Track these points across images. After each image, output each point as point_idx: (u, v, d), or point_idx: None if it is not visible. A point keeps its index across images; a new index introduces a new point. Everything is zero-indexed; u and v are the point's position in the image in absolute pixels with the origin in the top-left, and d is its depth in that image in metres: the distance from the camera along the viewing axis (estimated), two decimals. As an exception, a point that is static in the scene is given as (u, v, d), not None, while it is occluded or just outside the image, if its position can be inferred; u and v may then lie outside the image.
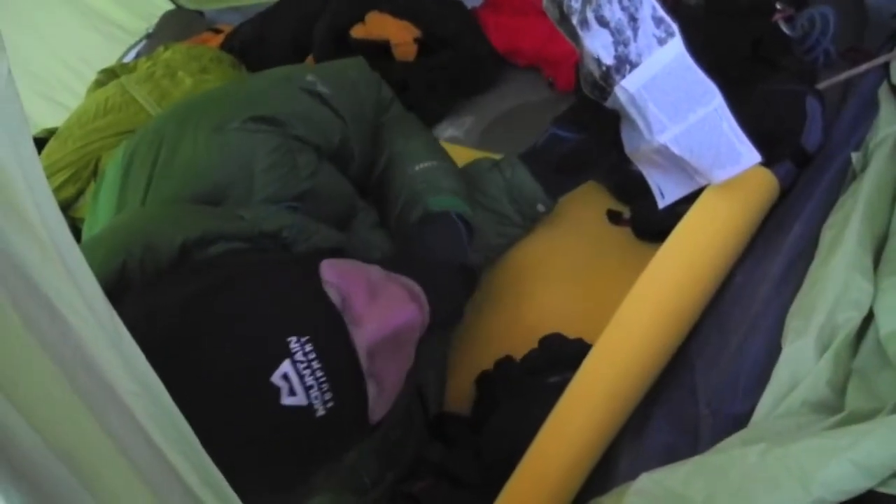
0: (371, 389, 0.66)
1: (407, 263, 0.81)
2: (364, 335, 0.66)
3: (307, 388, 0.59)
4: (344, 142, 0.99)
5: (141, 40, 2.38)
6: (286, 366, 0.58)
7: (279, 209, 0.83)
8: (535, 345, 0.95)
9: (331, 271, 0.68)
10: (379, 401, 0.68)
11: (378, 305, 0.68)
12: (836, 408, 0.61)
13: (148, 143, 0.87)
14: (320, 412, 0.60)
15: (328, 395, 0.60)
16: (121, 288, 0.67)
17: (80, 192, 1.17)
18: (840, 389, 0.63)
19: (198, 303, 0.61)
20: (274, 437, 0.60)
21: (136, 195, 0.84)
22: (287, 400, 0.58)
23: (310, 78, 0.97)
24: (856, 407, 0.59)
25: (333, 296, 0.66)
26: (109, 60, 2.17)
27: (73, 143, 1.19)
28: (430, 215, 0.99)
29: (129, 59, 2.26)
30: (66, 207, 1.19)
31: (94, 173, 1.16)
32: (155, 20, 2.39)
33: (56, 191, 1.17)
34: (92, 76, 1.70)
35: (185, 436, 0.42)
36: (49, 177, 1.18)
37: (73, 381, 0.38)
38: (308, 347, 0.59)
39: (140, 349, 0.46)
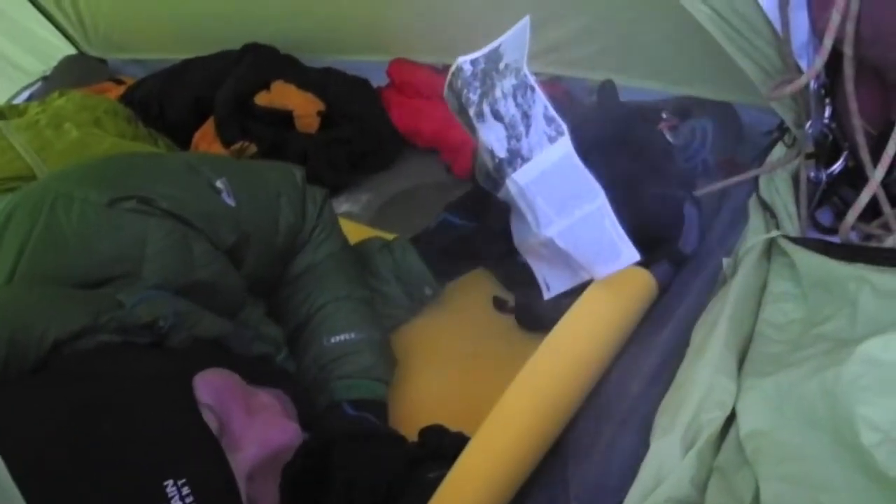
0: None
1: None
2: (244, 460, 0.63)
3: None
4: (237, 247, 0.95)
5: (36, 82, 2.29)
6: None
7: (159, 295, 0.78)
8: (415, 430, 0.93)
9: (206, 390, 0.65)
10: None
11: (257, 424, 0.66)
12: (697, 505, 0.63)
13: (30, 206, 0.82)
14: None
15: None
16: None
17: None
18: (702, 487, 0.64)
19: (70, 439, 0.56)
20: None
21: (6, 262, 0.78)
22: None
23: (219, 184, 0.94)
24: (715, 504, 0.61)
25: (210, 420, 0.63)
26: (0, 100, 2.09)
27: (-64, 185, 1.12)
28: (337, 408, 0.96)
29: (21, 99, 2.18)
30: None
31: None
32: (54, 63, 2.32)
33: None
34: (-21, 113, 1.62)
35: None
36: None
37: None
38: (185, 490, 0.56)
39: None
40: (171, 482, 0.55)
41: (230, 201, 0.93)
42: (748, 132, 1.32)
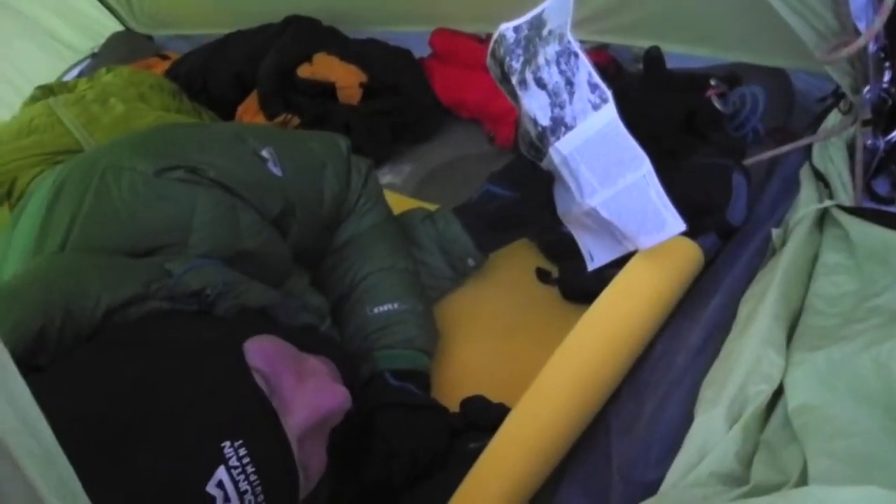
0: (300, 479, 0.64)
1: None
2: (295, 424, 0.64)
3: (241, 494, 0.57)
4: (283, 217, 0.95)
5: (85, 59, 2.33)
6: (221, 472, 0.56)
7: (207, 264, 0.79)
8: (456, 402, 0.93)
9: (257, 356, 0.66)
10: (305, 486, 0.67)
11: (307, 389, 0.66)
12: (742, 479, 0.62)
13: (79, 176, 0.83)
14: None
15: (261, 498, 0.58)
16: (36, 349, 0.64)
17: (-9, 211, 1.13)
18: (747, 462, 0.63)
19: (126, 404, 0.58)
20: None
21: (58, 232, 0.80)
22: None
23: (264, 153, 0.94)
24: (760, 480, 0.59)
25: (262, 384, 0.64)
26: (51, 77, 2.13)
27: (-9, 160, 1.15)
28: (381, 379, 0.96)
29: (70, 77, 2.21)
30: (-25, 226, 1.14)
31: (9, 193, 1.12)
32: (102, 40, 2.35)
33: (-33, 206, 1.12)
34: (31, 91, 1.66)
35: (66, 480, 0.40)
36: (-37, 192, 1.13)
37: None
38: (242, 452, 0.57)
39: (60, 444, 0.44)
40: (228, 443, 0.57)
41: (276, 170, 0.94)
42: (801, 99, 1.28)
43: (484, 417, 0.88)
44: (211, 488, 0.55)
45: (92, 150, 0.92)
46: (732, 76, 1.22)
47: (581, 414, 0.77)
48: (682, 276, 0.88)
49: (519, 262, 1.20)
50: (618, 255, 0.90)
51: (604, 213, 0.84)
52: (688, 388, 0.72)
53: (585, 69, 0.83)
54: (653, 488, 0.64)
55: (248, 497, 0.57)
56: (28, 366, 0.63)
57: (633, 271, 0.86)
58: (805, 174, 0.97)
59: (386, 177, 1.57)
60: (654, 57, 1.23)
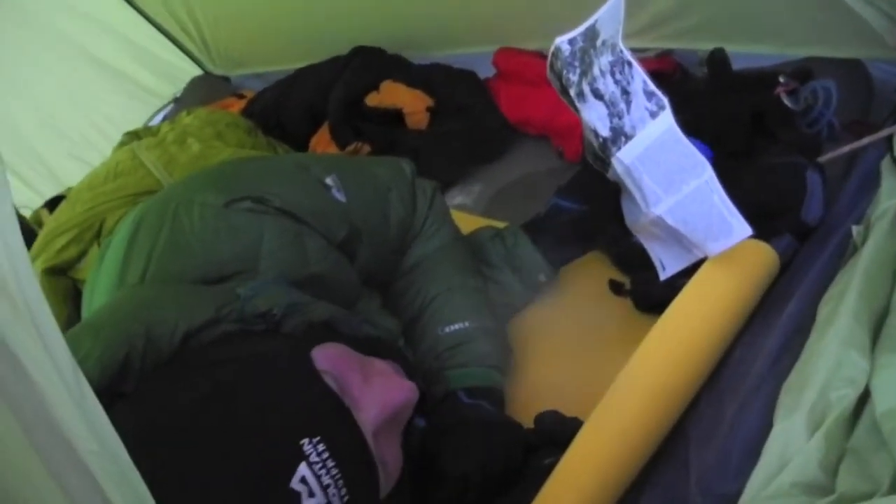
0: (380, 473, 0.67)
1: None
2: (367, 420, 0.66)
3: (325, 488, 0.59)
4: (349, 241, 0.97)
5: (169, 104, 2.45)
6: (303, 469, 0.58)
7: (273, 284, 0.82)
8: (530, 414, 0.93)
9: (324, 360, 0.69)
10: (386, 481, 0.69)
11: (375, 387, 0.69)
12: (827, 489, 0.59)
13: (154, 213, 0.88)
14: None
15: (344, 491, 0.60)
16: (122, 377, 0.68)
17: (82, 254, 1.18)
18: (832, 470, 0.60)
19: (208, 413, 0.61)
20: None
21: (139, 266, 0.85)
22: (307, 503, 0.58)
23: (328, 181, 0.97)
24: (847, 488, 0.57)
25: (332, 385, 0.66)
26: (137, 123, 2.25)
27: (81, 206, 1.21)
28: (454, 398, 0.97)
29: (156, 121, 2.33)
30: (68, 268, 1.20)
31: (98, 235, 1.18)
32: (183, 84, 2.47)
33: (59, 252, 1.19)
34: (119, 138, 1.75)
35: (143, 498, 0.42)
36: (54, 238, 1.20)
37: (33, 438, 0.38)
38: (321, 447, 0.60)
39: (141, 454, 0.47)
40: (307, 440, 0.59)
41: (340, 197, 0.96)
42: (880, 89, 1.23)
43: (559, 432, 0.87)
44: (295, 484, 0.58)
45: (166, 188, 0.98)
46: (803, 71, 1.18)
47: (655, 424, 0.76)
48: (754, 280, 0.85)
49: (591, 275, 1.19)
50: (688, 263, 0.88)
51: (669, 221, 0.83)
52: (767, 396, 0.70)
53: (640, 77, 0.82)
54: (732, 500, 0.62)
55: (332, 490, 0.59)
56: (114, 392, 0.67)
57: (704, 277, 0.85)
58: (886, 167, 0.93)
59: (457, 198, 1.58)
60: (718, 59, 1.20)
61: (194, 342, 0.73)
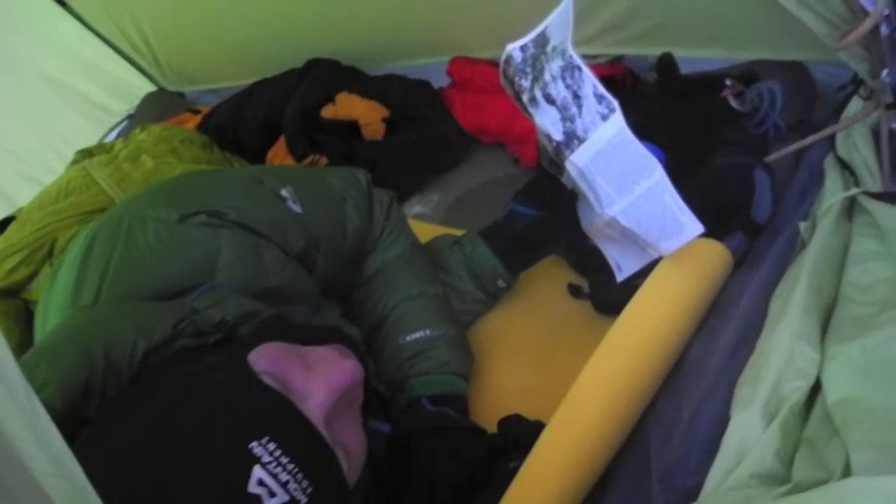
0: (340, 456, 0.66)
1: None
2: (315, 407, 0.65)
3: (284, 485, 0.58)
4: (307, 252, 0.97)
5: (123, 121, 2.42)
6: (258, 471, 0.58)
7: (218, 287, 0.82)
8: (493, 422, 0.93)
9: (261, 360, 0.68)
10: (350, 465, 0.68)
11: (319, 374, 0.68)
12: (783, 479, 0.60)
13: (108, 230, 0.87)
14: (303, 501, 0.59)
15: (305, 483, 0.60)
16: (84, 400, 0.67)
17: (34, 275, 1.16)
18: (788, 460, 0.62)
19: (156, 438, 0.60)
20: None
21: (93, 283, 0.83)
22: (271, 502, 0.58)
23: (284, 192, 0.97)
24: (802, 477, 0.58)
25: (273, 384, 0.65)
26: (92, 141, 2.21)
27: (31, 226, 1.19)
28: (418, 406, 0.98)
29: (110, 139, 2.29)
30: (19, 289, 1.18)
31: (50, 254, 1.16)
32: (137, 101, 2.43)
33: (9, 273, 1.17)
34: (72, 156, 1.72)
35: (100, 519, 0.41)
36: (4, 259, 1.18)
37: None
38: (272, 446, 0.59)
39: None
40: (255, 443, 0.58)
41: (296, 208, 0.96)
42: (823, 90, 1.26)
43: (522, 435, 0.87)
44: (253, 488, 0.57)
45: (118, 205, 0.96)
46: (748, 74, 1.21)
47: (616, 423, 0.76)
48: (708, 278, 0.86)
49: (549, 279, 1.20)
50: (644, 263, 0.89)
51: (623, 222, 0.84)
52: (723, 392, 0.71)
53: (590, 81, 0.83)
54: (694, 495, 0.63)
55: (292, 485, 0.59)
56: (78, 417, 0.66)
57: (660, 276, 0.86)
58: (830, 164, 0.95)
59: (415, 207, 1.59)
60: (666, 64, 1.23)
61: (154, 358, 0.72)
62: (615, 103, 0.82)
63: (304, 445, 0.62)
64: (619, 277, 0.95)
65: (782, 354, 0.67)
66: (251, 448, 0.58)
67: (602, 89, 0.82)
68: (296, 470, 0.59)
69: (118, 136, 2.29)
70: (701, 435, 0.69)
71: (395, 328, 1.03)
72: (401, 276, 1.07)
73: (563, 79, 0.85)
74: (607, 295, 1.07)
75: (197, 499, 0.57)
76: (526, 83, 0.89)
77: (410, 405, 0.97)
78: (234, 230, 0.88)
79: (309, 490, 0.60)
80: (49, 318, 0.86)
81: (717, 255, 0.89)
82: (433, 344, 1.01)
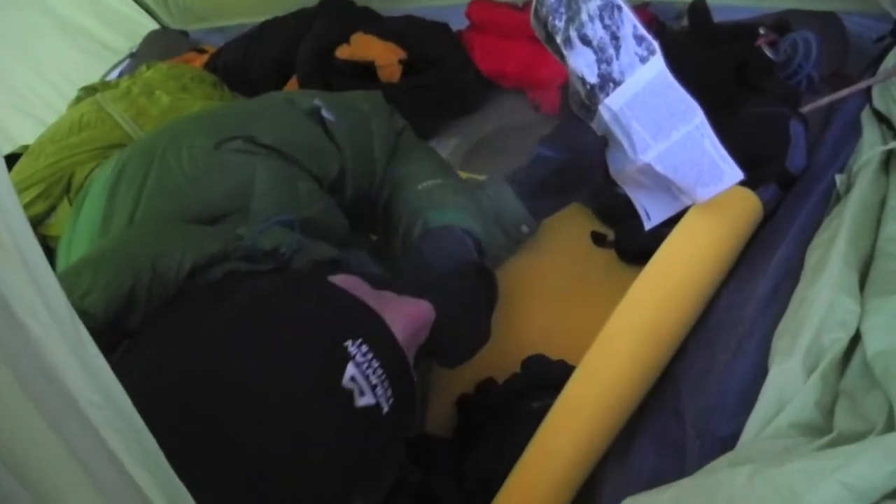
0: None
1: (412, 283, 0.79)
2: (396, 334, 0.66)
3: (373, 388, 0.59)
4: (341, 174, 0.97)
5: (125, 59, 2.37)
6: (351, 368, 0.58)
7: (273, 225, 0.81)
8: (517, 366, 0.93)
9: (340, 284, 0.68)
10: None
11: (393, 307, 0.68)
12: (824, 429, 0.60)
13: (139, 158, 0.86)
14: (385, 409, 0.60)
15: (389, 392, 0.60)
16: (127, 311, 0.66)
17: (52, 209, 1.14)
18: (828, 411, 0.61)
19: (247, 327, 0.60)
20: (350, 440, 0.59)
21: (124, 211, 0.82)
22: (360, 401, 0.58)
23: (316, 102, 0.97)
24: (844, 428, 0.58)
25: None
26: (92, 78, 2.16)
27: (45, 159, 1.17)
28: (430, 231, 0.98)
29: (112, 77, 2.25)
30: (37, 224, 1.16)
31: (67, 189, 1.14)
32: (139, 39, 2.39)
33: (27, 207, 1.14)
34: (74, 94, 1.68)
35: (151, 451, 0.40)
36: (20, 192, 1.15)
37: (31, 390, 0.36)
38: (364, 348, 0.59)
39: (183, 376, 0.50)
40: (350, 342, 0.59)
41: (330, 116, 0.96)
42: (855, 42, 1.24)
43: (546, 375, 0.87)
44: (346, 383, 0.57)
45: (148, 135, 0.95)
46: (782, 23, 1.18)
47: (647, 367, 0.76)
48: (739, 225, 0.85)
49: (573, 226, 1.19)
50: (675, 210, 0.88)
51: (659, 168, 0.82)
52: (758, 341, 0.70)
53: (630, 22, 0.81)
54: (729, 443, 0.63)
55: (379, 391, 0.59)
56: (120, 330, 0.65)
57: (690, 223, 0.84)
58: (867, 117, 0.93)
59: (432, 152, 1.56)
60: (699, 9, 1.19)
61: (201, 279, 0.71)
62: (655, 45, 0.79)
63: (392, 357, 0.62)
64: (648, 225, 0.94)
65: (822, 306, 0.67)
66: (346, 345, 0.59)
67: (642, 30, 0.80)
68: (384, 377, 0.60)
69: (120, 74, 2.25)
70: (736, 384, 0.68)
71: (409, 182, 1.04)
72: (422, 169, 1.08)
73: (602, 18, 0.82)
74: (632, 243, 1.05)
75: (291, 387, 0.57)
76: (560, 24, 0.86)
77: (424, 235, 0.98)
78: (270, 158, 0.87)
79: (391, 401, 0.60)
80: (74, 248, 0.85)
81: (746, 202, 0.87)
82: (449, 189, 1.03)
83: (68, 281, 0.66)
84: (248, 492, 0.53)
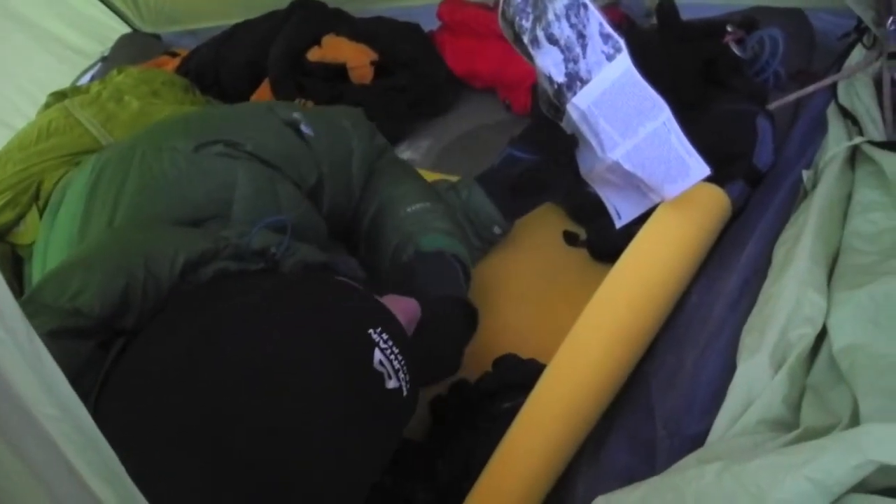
0: None
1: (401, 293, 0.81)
2: None
3: (396, 372, 0.61)
4: (319, 184, 0.97)
5: (96, 63, 2.34)
6: (377, 354, 0.60)
7: (259, 228, 0.80)
8: (488, 366, 0.93)
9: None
10: None
11: (389, 303, 0.69)
12: (791, 425, 0.60)
13: (117, 162, 0.85)
14: (405, 393, 0.62)
15: (408, 377, 0.62)
16: (121, 311, 0.65)
17: (20, 217, 1.12)
18: (795, 406, 0.62)
19: (277, 313, 0.61)
20: (381, 419, 0.61)
21: (103, 214, 0.81)
22: (389, 384, 0.60)
23: (295, 115, 0.97)
24: (810, 423, 0.58)
25: None
26: (63, 84, 2.13)
27: (12, 166, 1.14)
28: (422, 255, 0.98)
29: (83, 81, 2.22)
30: (5, 232, 1.14)
31: (36, 197, 1.12)
32: (111, 43, 2.36)
33: (-6, 215, 1.13)
34: (44, 99, 1.66)
35: (108, 462, 0.40)
36: (-15, 201, 1.13)
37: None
38: (385, 336, 0.61)
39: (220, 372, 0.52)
40: (371, 330, 0.61)
41: (308, 131, 0.96)
42: (821, 39, 1.25)
43: (517, 375, 0.87)
44: (377, 366, 0.59)
45: (126, 139, 0.95)
46: (749, 21, 1.19)
47: (617, 365, 0.76)
48: (708, 222, 0.86)
49: (545, 226, 1.19)
50: (645, 208, 0.88)
51: (627, 166, 0.82)
52: (727, 338, 0.71)
53: (596, 20, 0.81)
54: (699, 440, 0.63)
55: (401, 375, 0.62)
56: (113, 329, 0.65)
57: (658, 220, 0.85)
58: (832, 113, 0.94)
59: (405, 153, 1.56)
60: (667, 8, 1.20)
61: (192, 278, 0.70)
62: (621, 42, 0.80)
63: (406, 346, 0.64)
64: (618, 224, 0.94)
65: (789, 302, 0.67)
66: (370, 333, 0.61)
67: (608, 28, 0.80)
68: (403, 362, 0.62)
69: (91, 79, 2.21)
70: (705, 381, 0.68)
71: (397, 204, 1.05)
72: (403, 194, 1.08)
73: (568, 17, 0.82)
74: (604, 242, 1.06)
75: (330, 368, 0.58)
76: (527, 23, 0.86)
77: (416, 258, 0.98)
78: (251, 162, 0.87)
79: (408, 386, 0.62)
80: (52, 252, 0.84)
81: (716, 200, 0.88)
82: (437, 211, 1.04)
83: (57, 282, 0.65)
84: (288, 473, 0.53)
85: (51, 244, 0.85)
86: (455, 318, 0.93)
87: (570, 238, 1.13)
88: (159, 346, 0.60)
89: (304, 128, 0.96)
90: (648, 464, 0.67)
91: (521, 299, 1.10)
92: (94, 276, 0.65)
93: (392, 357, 0.61)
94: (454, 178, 1.17)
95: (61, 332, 0.60)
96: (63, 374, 0.38)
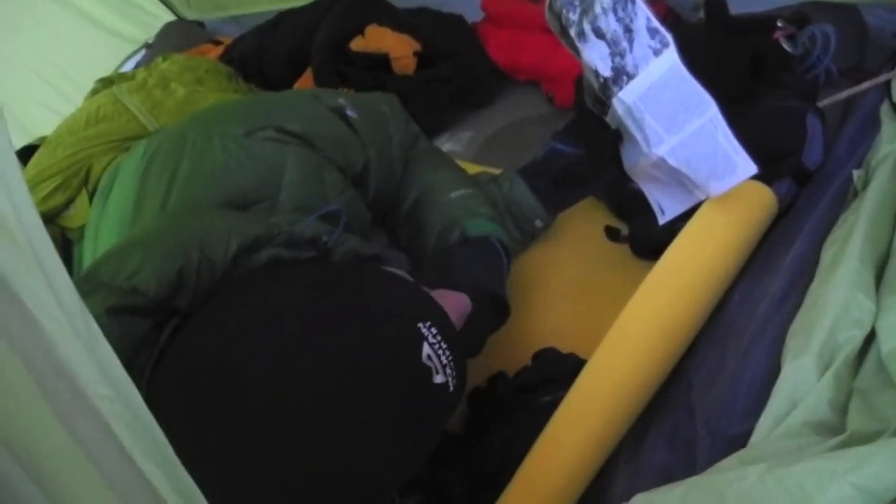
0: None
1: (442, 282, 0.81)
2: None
3: (443, 367, 0.62)
4: (365, 170, 0.98)
5: (140, 50, 2.37)
6: (426, 348, 0.61)
7: (314, 217, 0.81)
8: (528, 360, 0.93)
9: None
10: None
11: (440, 298, 0.69)
12: (837, 429, 0.59)
13: (169, 146, 0.87)
14: (451, 388, 0.63)
15: (454, 372, 0.63)
16: (176, 290, 0.67)
17: (70, 201, 1.14)
18: (842, 410, 0.61)
19: (329, 301, 0.62)
20: (427, 413, 0.62)
21: (156, 197, 0.83)
22: (436, 378, 0.61)
23: (341, 101, 0.99)
24: (857, 428, 0.57)
25: None
26: (108, 70, 2.17)
27: (62, 151, 1.17)
28: (469, 239, 0.99)
29: (127, 68, 2.25)
30: (55, 216, 1.16)
31: (85, 181, 1.14)
32: (155, 31, 2.39)
33: (45, 199, 1.14)
34: (90, 85, 1.69)
35: (159, 444, 0.41)
36: (37, 185, 1.15)
37: (42, 385, 0.37)
38: (434, 331, 0.62)
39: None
40: (421, 325, 0.62)
41: (353, 114, 0.97)
42: (875, 35, 1.22)
43: (556, 369, 0.88)
44: (425, 360, 0.60)
45: (176, 124, 0.96)
46: (800, 16, 1.17)
47: (659, 363, 0.76)
48: (754, 221, 0.85)
49: (587, 221, 1.19)
50: (689, 205, 0.87)
51: (672, 162, 0.82)
52: (772, 338, 0.70)
53: (643, 14, 0.80)
54: (740, 441, 0.62)
55: (448, 370, 0.62)
56: (168, 309, 0.66)
57: (704, 217, 0.84)
58: (885, 112, 0.92)
59: (446, 144, 1.56)
60: (716, 1, 1.18)
61: (245, 262, 0.71)
62: (669, 37, 0.79)
63: (455, 342, 0.64)
64: (662, 220, 0.93)
65: (837, 303, 0.66)
66: (419, 327, 0.61)
67: (656, 22, 0.79)
68: (451, 357, 0.62)
69: (135, 66, 2.24)
70: (748, 381, 0.67)
71: (439, 190, 1.05)
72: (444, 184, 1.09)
73: (615, 11, 0.82)
74: (646, 238, 1.05)
75: (378, 357, 0.59)
76: (574, 16, 0.86)
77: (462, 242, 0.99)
78: (301, 147, 0.89)
79: (455, 381, 0.63)
80: (103, 234, 0.86)
81: (762, 197, 0.87)
82: (481, 199, 1.05)
83: (115, 261, 0.67)
84: (334, 461, 0.55)
85: (102, 227, 0.87)
86: (482, 305, 0.92)
87: (611, 233, 1.13)
88: (214, 330, 0.61)
89: (349, 112, 0.98)
90: (687, 463, 0.66)
91: (562, 294, 1.10)
92: (151, 257, 0.66)
93: (440, 352, 0.61)
94: (496, 171, 1.17)
95: (119, 309, 0.62)
96: (117, 354, 0.39)
